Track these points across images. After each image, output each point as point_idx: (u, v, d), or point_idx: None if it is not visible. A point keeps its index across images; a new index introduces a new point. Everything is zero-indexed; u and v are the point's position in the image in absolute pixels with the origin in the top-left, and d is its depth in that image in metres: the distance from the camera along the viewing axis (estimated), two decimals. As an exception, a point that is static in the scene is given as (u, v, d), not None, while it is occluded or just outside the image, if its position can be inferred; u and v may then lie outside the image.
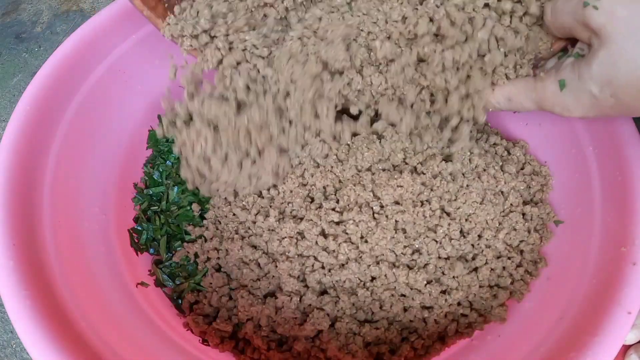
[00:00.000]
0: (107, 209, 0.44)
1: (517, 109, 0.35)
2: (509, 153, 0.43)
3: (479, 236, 0.39)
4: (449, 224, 0.38)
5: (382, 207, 0.38)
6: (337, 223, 0.38)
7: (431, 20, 0.33)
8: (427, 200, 0.38)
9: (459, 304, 0.39)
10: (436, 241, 0.38)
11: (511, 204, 0.41)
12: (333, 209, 0.38)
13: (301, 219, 0.39)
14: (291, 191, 0.40)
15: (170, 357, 0.39)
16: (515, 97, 0.35)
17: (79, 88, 0.43)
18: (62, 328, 0.34)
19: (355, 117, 0.39)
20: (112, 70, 0.45)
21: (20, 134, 0.38)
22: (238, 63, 0.37)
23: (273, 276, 0.40)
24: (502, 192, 0.40)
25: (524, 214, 0.41)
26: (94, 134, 0.45)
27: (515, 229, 0.40)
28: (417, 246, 0.38)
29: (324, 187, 0.40)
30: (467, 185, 0.39)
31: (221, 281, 0.42)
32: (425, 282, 0.37)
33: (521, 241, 0.41)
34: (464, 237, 0.39)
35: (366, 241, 0.38)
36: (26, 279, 0.34)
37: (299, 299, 0.39)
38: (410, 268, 0.38)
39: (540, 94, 0.33)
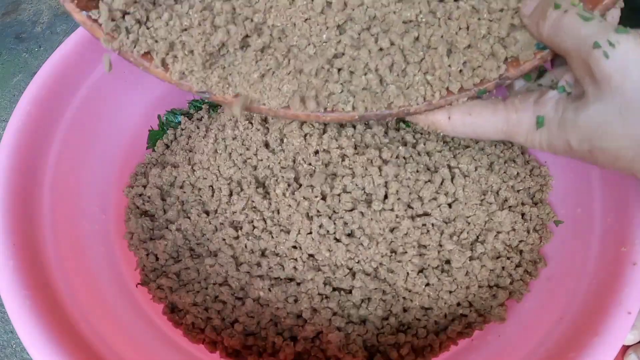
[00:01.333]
0: (107, 209, 0.44)
1: (477, 136, 0.31)
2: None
3: (478, 237, 0.39)
4: (447, 225, 0.38)
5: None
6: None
7: None
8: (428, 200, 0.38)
9: (458, 304, 0.39)
10: (435, 242, 0.38)
11: (510, 205, 0.41)
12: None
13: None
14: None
15: (170, 357, 0.39)
16: (477, 123, 0.30)
17: (79, 88, 0.43)
18: (62, 328, 0.34)
19: None
20: (113, 70, 0.44)
21: (21, 134, 0.38)
22: None
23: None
24: (499, 192, 0.40)
25: (523, 214, 0.41)
26: (94, 134, 0.45)
27: (514, 229, 0.40)
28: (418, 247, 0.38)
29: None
30: (465, 187, 0.39)
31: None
32: (424, 284, 0.37)
33: (520, 241, 0.41)
34: (464, 237, 0.39)
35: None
36: (26, 279, 0.34)
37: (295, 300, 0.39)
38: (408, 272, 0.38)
39: (513, 127, 0.29)
